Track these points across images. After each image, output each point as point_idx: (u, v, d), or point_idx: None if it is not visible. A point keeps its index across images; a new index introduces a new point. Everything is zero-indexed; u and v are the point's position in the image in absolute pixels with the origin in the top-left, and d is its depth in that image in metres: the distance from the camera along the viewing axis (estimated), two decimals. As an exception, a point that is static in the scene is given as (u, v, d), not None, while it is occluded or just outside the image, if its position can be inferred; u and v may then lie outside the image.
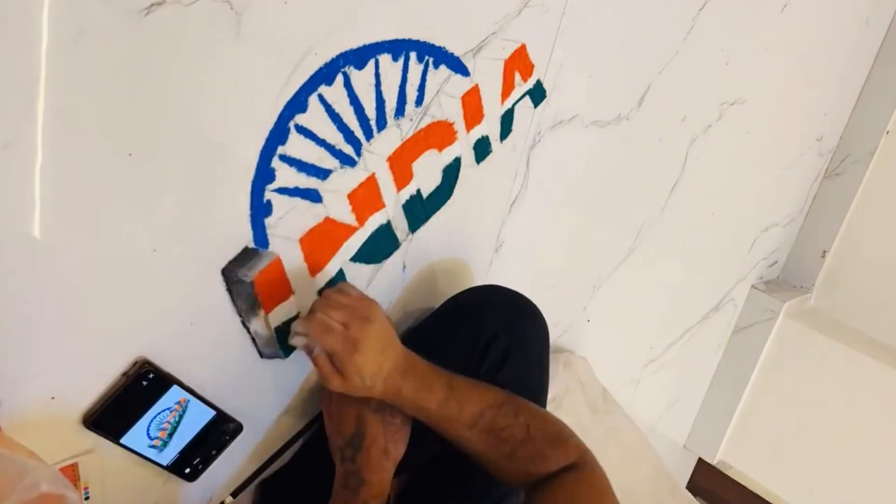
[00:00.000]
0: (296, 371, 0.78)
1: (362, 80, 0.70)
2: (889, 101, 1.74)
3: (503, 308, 0.84)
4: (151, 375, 0.63)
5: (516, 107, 0.89)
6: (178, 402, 0.66)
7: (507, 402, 0.73)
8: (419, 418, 0.72)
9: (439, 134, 0.80)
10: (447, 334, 0.82)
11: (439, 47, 0.76)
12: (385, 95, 0.73)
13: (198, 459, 0.71)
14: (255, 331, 0.71)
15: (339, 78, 0.67)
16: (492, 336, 0.80)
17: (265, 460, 0.80)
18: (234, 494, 0.78)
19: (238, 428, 0.73)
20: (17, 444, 0.51)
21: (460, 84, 0.80)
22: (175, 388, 0.65)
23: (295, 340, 0.68)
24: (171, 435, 0.67)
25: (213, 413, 0.69)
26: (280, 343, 0.73)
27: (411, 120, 0.77)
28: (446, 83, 0.79)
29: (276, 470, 0.82)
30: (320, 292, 0.75)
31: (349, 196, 0.73)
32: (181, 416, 0.66)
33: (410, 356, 0.71)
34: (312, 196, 0.70)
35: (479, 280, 1.00)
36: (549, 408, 1.02)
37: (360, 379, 0.66)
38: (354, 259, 0.77)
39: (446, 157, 0.82)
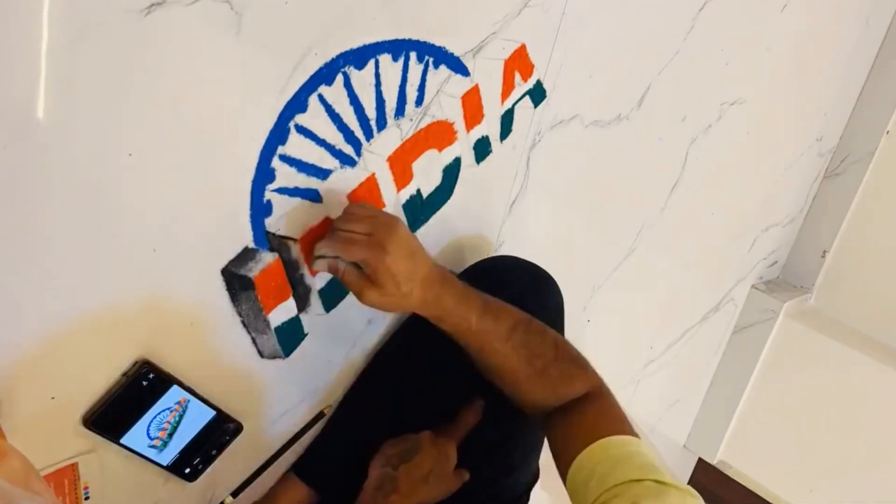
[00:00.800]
0: (296, 370, 0.78)
1: (362, 80, 0.70)
2: (889, 101, 1.74)
3: (523, 275, 0.86)
4: (151, 375, 0.63)
5: (516, 107, 0.89)
6: (178, 402, 0.66)
7: (532, 320, 0.75)
8: (458, 334, 0.71)
9: (439, 134, 0.80)
10: None
11: (439, 47, 0.76)
12: (385, 95, 0.73)
13: (198, 459, 0.71)
14: (255, 331, 0.71)
15: (339, 78, 0.68)
16: (513, 301, 0.80)
17: (265, 461, 0.80)
18: (235, 494, 0.78)
19: (238, 428, 0.73)
20: (15, 450, 0.51)
21: (460, 84, 0.80)
22: (175, 387, 0.65)
23: (318, 264, 0.67)
24: (171, 435, 0.67)
25: (213, 413, 0.69)
26: (280, 342, 0.73)
27: (411, 120, 0.77)
28: (446, 83, 0.79)
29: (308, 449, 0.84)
30: (322, 293, 0.75)
31: (349, 196, 0.73)
32: (181, 416, 0.67)
33: (442, 268, 0.70)
34: (312, 196, 0.70)
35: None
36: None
37: (394, 284, 0.65)
38: (354, 259, 0.77)
39: (446, 157, 0.83)
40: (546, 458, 0.89)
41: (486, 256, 0.99)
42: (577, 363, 0.74)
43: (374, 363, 0.86)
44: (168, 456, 0.68)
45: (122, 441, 0.63)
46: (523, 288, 0.84)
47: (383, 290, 0.65)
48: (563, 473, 0.68)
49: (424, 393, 0.82)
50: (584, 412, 0.70)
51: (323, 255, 0.66)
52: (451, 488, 0.77)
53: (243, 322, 0.69)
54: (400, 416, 0.80)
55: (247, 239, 0.66)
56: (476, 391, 0.81)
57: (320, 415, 0.83)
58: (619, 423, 0.69)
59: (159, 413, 0.65)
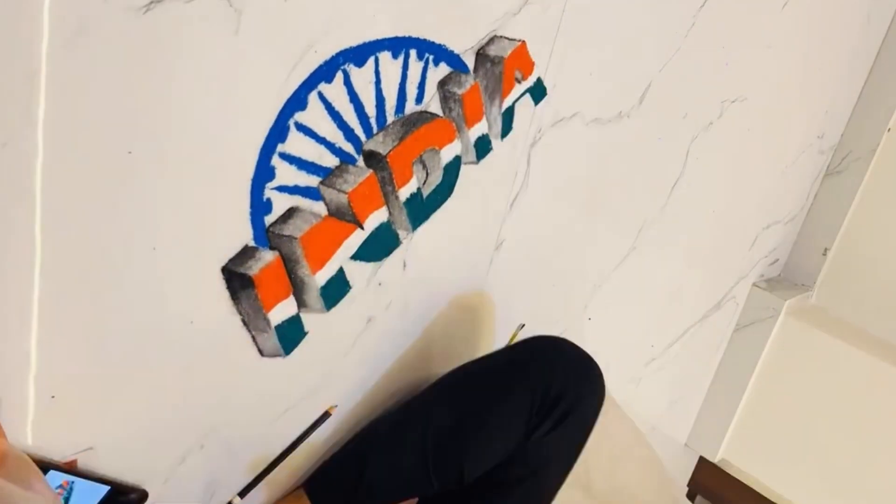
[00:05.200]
0: (297, 369, 0.78)
1: (362, 77, 0.70)
2: (890, 99, 1.73)
3: (573, 369, 0.86)
4: None
5: (517, 104, 0.89)
6: (61, 487, 0.60)
7: None
8: None
9: (440, 132, 0.80)
10: (514, 381, 0.84)
11: (439, 45, 0.76)
12: (385, 93, 0.73)
13: None
14: (256, 329, 0.70)
15: (339, 75, 0.67)
16: (557, 395, 0.82)
17: (271, 461, 0.80)
18: (242, 495, 0.77)
19: (142, 496, 0.66)
20: (15, 449, 0.51)
21: (461, 82, 0.80)
22: (52, 473, 0.58)
23: None
24: None
25: (106, 488, 0.63)
26: (280, 341, 0.73)
27: (411, 117, 0.76)
28: (447, 81, 0.78)
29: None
30: (322, 292, 0.75)
31: (349, 194, 0.73)
32: (66, 501, 0.60)
33: None
34: (312, 194, 0.70)
35: (480, 278, 1.00)
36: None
37: None
38: (355, 257, 0.77)
39: (447, 154, 0.82)
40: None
41: (483, 253, 0.99)
42: None
43: (408, 405, 0.87)
44: None
45: None
46: (570, 383, 0.83)
47: None
48: None
49: (450, 447, 0.82)
50: None
51: None
52: None
53: (243, 320, 0.69)
54: (422, 463, 0.81)
55: (247, 237, 0.66)
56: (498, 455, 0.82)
57: (325, 415, 0.83)
58: None
59: None
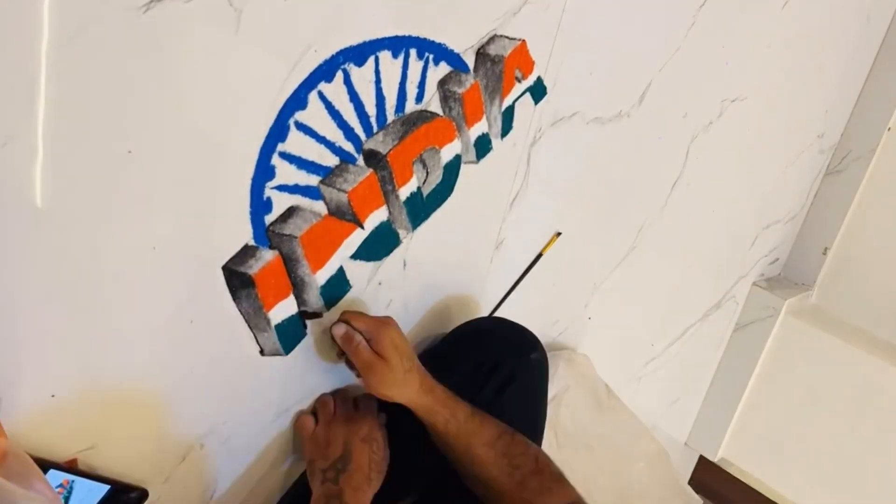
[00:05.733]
0: (296, 367, 0.78)
1: (362, 77, 0.70)
2: (890, 98, 1.73)
3: (508, 337, 0.89)
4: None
5: (517, 104, 0.89)
6: (61, 486, 0.59)
7: (516, 433, 0.77)
8: (447, 430, 0.75)
9: (440, 131, 0.80)
10: (452, 359, 0.87)
11: (439, 44, 0.76)
12: (385, 92, 0.73)
13: None
14: (256, 328, 0.70)
15: (339, 75, 0.67)
16: (495, 362, 0.85)
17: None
18: None
19: (143, 495, 0.67)
20: (15, 448, 0.51)
21: (461, 81, 0.80)
22: (52, 472, 0.58)
23: (335, 328, 0.74)
24: None
25: (107, 487, 0.63)
26: (280, 340, 0.73)
27: (411, 117, 0.76)
28: (447, 80, 0.78)
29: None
30: (322, 291, 0.75)
31: (349, 193, 0.73)
32: (66, 500, 0.60)
33: (430, 376, 0.77)
34: (312, 193, 0.70)
35: (480, 278, 1.00)
36: (551, 406, 1.03)
37: (398, 357, 0.73)
38: (355, 256, 0.77)
39: (447, 154, 0.82)
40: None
41: (483, 253, 0.99)
42: (556, 478, 0.75)
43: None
44: None
45: None
46: (508, 349, 0.87)
47: (389, 365, 0.72)
48: None
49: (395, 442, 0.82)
50: None
51: (340, 332, 0.74)
52: (385, 469, 0.78)
53: (244, 319, 0.69)
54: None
55: (247, 236, 0.66)
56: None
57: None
58: None
59: None
